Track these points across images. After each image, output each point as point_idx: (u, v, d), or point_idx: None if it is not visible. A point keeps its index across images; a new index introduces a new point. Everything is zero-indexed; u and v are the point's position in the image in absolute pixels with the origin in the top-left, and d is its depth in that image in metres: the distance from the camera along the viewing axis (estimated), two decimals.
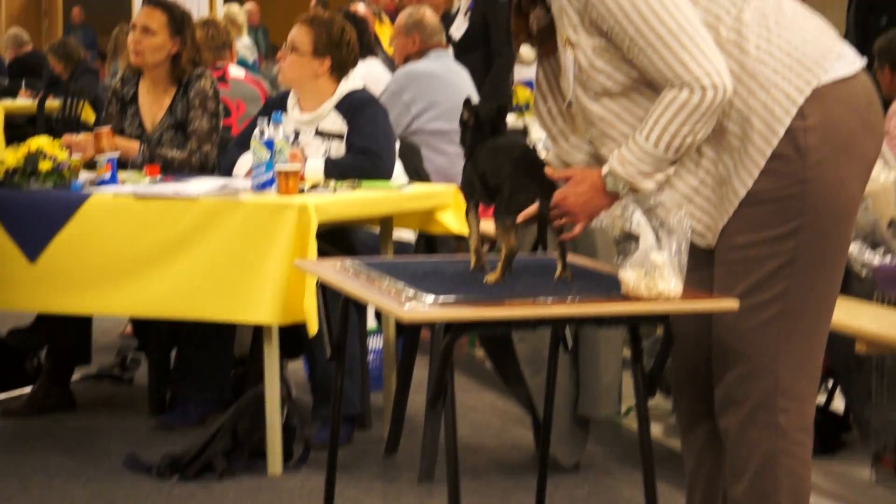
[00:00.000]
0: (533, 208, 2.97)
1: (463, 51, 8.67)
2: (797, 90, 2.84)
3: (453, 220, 5.06)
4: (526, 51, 3.15)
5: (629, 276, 2.85)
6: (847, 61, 2.90)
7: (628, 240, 2.85)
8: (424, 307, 2.82)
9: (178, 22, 5.42)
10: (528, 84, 10.02)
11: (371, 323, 5.51)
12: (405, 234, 5.40)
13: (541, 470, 3.57)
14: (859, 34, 8.86)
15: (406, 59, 6.69)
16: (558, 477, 4.50)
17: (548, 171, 3.00)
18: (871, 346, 3.98)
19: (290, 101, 5.26)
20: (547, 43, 3.04)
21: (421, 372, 5.12)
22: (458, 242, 6.20)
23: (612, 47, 2.89)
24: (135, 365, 6.01)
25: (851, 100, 2.88)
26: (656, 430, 5.16)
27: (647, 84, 2.89)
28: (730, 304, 2.85)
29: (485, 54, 8.76)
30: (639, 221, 2.81)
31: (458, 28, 8.83)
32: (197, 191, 4.72)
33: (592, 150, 3.06)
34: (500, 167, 3.00)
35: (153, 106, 5.45)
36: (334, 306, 3.38)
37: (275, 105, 5.29)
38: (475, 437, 5.12)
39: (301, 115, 5.21)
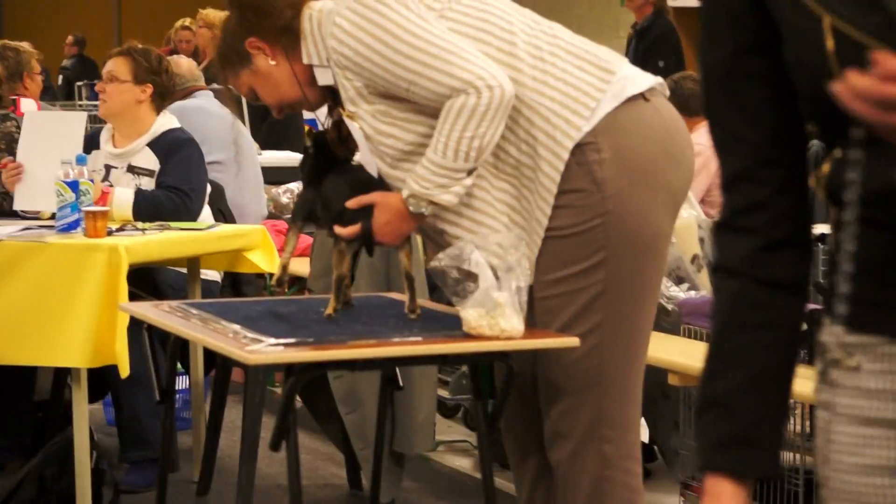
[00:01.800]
0: (355, 228, 3.01)
1: None
2: (577, 115, 2.88)
3: (262, 258, 5.05)
4: None
5: (471, 314, 2.90)
6: (633, 82, 2.93)
7: (467, 279, 2.89)
8: (269, 350, 2.82)
9: None
10: (310, 123, 10.06)
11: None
12: (210, 274, 5.36)
13: None
14: None
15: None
16: None
17: (350, 202, 3.02)
18: (682, 378, 4.12)
19: (104, 136, 5.20)
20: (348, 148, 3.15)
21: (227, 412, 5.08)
22: (262, 281, 6.20)
23: (392, 107, 2.95)
24: None
25: (646, 128, 2.92)
26: (466, 463, 5.24)
27: (428, 136, 2.94)
28: (571, 340, 2.93)
29: None
30: (477, 261, 2.85)
31: None
32: None
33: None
34: (339, 195, 3.03)
35: None
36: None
37: (86, 144, 5.20)
38: (285, 475, 5.09)
39: (114, 150, 5.15)
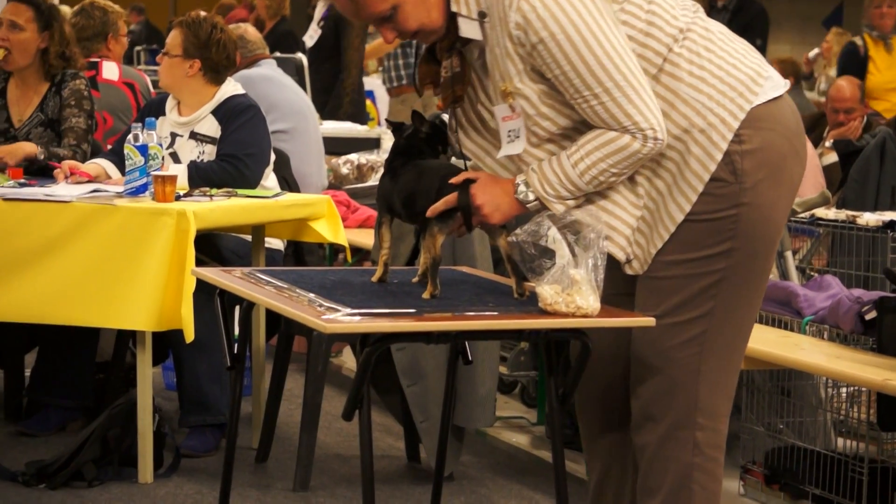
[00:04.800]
0: (450, 198, 2.98)
1: (315, 59, 8.69)
2: (731, 115, 2.91)
3: (327, 228, 5.06)
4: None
5: (546, 291, 2.89)
6: (774, 83, 2.98)
7: (543, 256, 2.88)
8: (345, 319, 2.83)
9: (46, 16, 5.32)
10: (369, 95, 10.10)
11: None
12: (273, 242, 5.39)
13: (436, 480, 3.59)
14: None
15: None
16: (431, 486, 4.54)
17: (456, 178, 3.00)
18: (745, 362, 4.10)
19: (170, 104, 5.22)
20: (453, 90, 3.00)
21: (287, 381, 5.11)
22: (323, 251, 6.23)
23: (555, 92, 2.91)
24: None
25: (783, 124, 2.97)
26: (523, 440, 5.25)
27: (585, 125, 2.92)
28: (646, 320, 2.92)
29: (336, 64, 8.79)
30: (554, 237, 2.85)
31: (311, 36, 8.84)
32: (69, 195, 4.63)
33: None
34: (428, 188, 3.02)
35: (21, 102, 5.34)
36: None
37: (153, 108, 5.24)
38: (344, 446, 5.13)
39: (178, 118, 5.17)
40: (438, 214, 2.98)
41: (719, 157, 2.91)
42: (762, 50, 9.69)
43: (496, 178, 3.02)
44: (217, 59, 5.16)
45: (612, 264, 3.00)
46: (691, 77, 2.92)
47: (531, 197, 2.95)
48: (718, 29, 3.01)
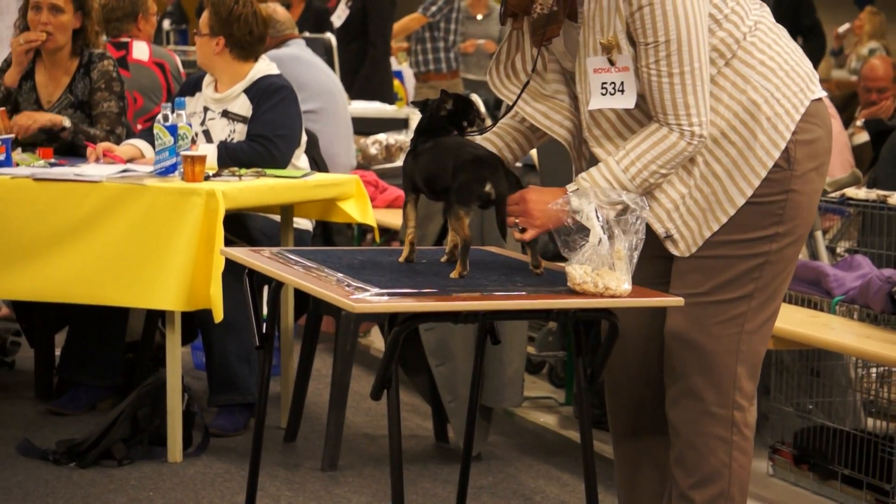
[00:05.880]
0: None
1: (343, 38, 8.68)
2: (794, 107, 2.99)
3: (355, 209, 5.06)
4: None
5: (576, 270, 2.88)
6: (819, 85, 3.07)
7: (579, 232, 2.88)
8: (374, 299, 2.83)
9: None
10: (397, 75, 10.09)
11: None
12: (302, 223, 5.40)
13: (464, 459, 3.59)
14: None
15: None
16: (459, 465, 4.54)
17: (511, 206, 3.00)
18: (773, 342, 4.09)
19: (207, 80, 5.24)
20: (546, 29, 3.01)
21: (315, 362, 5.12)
22: (352, 231, 6.23)
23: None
24: (15, 348, 5.90)
25: (827, 122, 3.07)
26: (551, 420, 5.25)
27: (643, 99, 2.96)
28: (675, 300, 2.93)
29: (363, 44, 8.79)
30: (589, 215, 2.85)
31: (339, 16, 8.84)
32: (99, 175, 4.65)
33: (569, 122, 3.10)
34: (445, 167, 3.02)
35: (50, 83, 5.35)
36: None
37: (191, 86, 5.26)
38: (372, 425, 5.14)
39: (214, 94, 5.18)
40: (460, 196, 2.98)
41: (784, 145, 2.98)
42: (815, 29, 9.70)
43: (550, 189, 3.03)
44: (239, 35, 5.15)
45: (654, 252, 3.02)
46: (762, 66, 2.99)
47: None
48: (780, 27, 3.08)
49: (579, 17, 3.00)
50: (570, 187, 2.99)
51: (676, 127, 2.91)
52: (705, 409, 3.03)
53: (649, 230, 2.95)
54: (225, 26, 5.14)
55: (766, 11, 3.07)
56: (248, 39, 5.18)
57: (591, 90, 2.99)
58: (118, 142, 5.22)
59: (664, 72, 2.90)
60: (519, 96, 3.12)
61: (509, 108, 3.18)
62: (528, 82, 3.12)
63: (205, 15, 5.23)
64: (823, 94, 3.07)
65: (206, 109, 5.18)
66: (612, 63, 2.95)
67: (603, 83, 2.97)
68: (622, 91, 2.96)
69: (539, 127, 3.15)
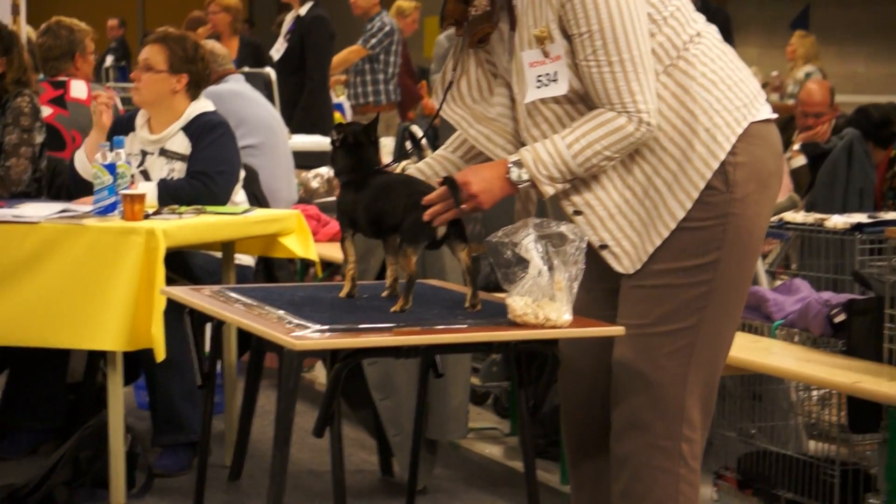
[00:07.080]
0: (442, 190, 2.97)
1: (281, 72, 8.69)
2: (736, 122, 2.95)
3: (297, 244, 5.06)
4: None
5: (517, 302, 2.88)
6: (768, 108, 3.05)
7: (518, 265, 2.88)
8: (314, 336, 2.83)
9: (5, 42, 5.29)
10: (338, 107, 10.10)
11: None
12: (244, 259, 5.38)
13: (410, 493, 3.59)
14: None
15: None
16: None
17: (430, 196, 2.98)
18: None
19: (139, 121, 5.21)
20: (475, 31, 3.03)
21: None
22: (294, 266, 6.21)
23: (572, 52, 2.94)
24: None
25: (772, 144, 3.03)
26: (496, 451, 5.25)
27: (587, 97, 2.95)
28: (616, 329, 2.93)
29: (301, 77, 8.80)
30: (528, 247, 2.84)
31: (278, 49, 8.85)
32: (37, 216, 4.62)
33: (511, 145, 3.08)
34: (395, 205, 3.01)
35: None
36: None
37: (122, 125, 5.22)
38: (317, 462, 5.12)
39: (149, 135, 5.16)
40: (410, 235, 2.97)
41: (722, 156, 2.94)
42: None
43: (481, 164, 3.02)
44: (202, 74, 5.18)
45: (607, 283, 3.04)
46: (703, 78, 2.96)
47: (524, 177, 2.94)
48: (727, 45, 3.06)
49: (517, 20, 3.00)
50: (512, 157, 2.96)
51: (624, 113, 2.89)
52: (652, 442, 2.99)
53: (591, 251, 2.94)
54: (189, 64, 5.14)
55: (713, 29, 3.06)
56: (206, 78, 5.20)
57: (527, 84, 2.98)
58: (9, 174, 5.15)
59: (602, 61, 2.88)
60: (443, 101, 3.12)
61: (436, 115, 3.19)
62: (451, 84, 3.12)
63: (158, 52, 5.16)
64: (772, 115, 3.03)
65: (143, 152, 5.15)
66: (545, 55, 2.94)
67: (538, 76, 2.97)
68: (555, 80, 2.96)
69: (481, 150, 3.13)
